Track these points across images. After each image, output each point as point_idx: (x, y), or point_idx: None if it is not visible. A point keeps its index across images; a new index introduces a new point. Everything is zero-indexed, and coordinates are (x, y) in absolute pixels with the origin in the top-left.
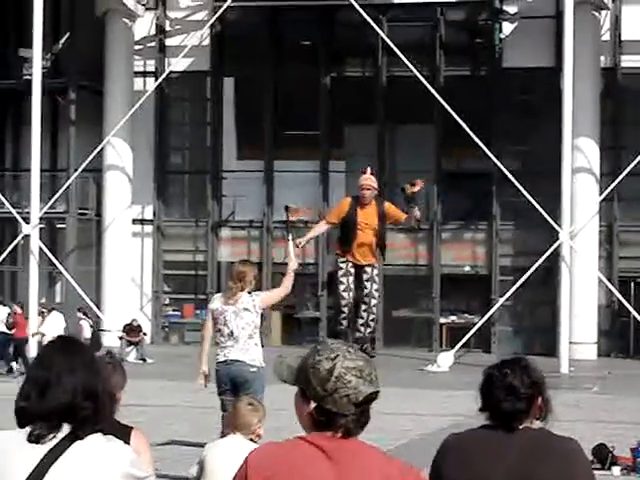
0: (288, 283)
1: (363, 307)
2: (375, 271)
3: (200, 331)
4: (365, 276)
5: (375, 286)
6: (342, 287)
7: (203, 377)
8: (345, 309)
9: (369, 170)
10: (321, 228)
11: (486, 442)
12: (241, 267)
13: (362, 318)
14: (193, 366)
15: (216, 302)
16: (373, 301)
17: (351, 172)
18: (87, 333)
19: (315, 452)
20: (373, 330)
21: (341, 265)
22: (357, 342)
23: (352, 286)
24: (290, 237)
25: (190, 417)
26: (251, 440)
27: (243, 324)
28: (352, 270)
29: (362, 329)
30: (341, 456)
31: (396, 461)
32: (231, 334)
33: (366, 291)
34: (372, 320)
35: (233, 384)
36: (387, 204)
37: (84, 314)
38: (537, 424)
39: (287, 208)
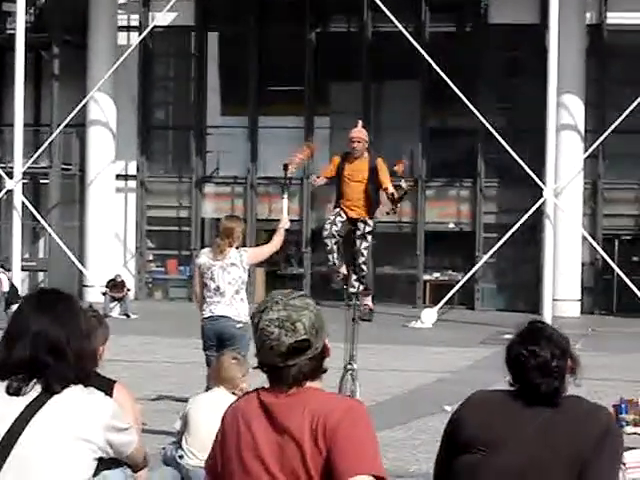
0: (278, 240)
1: (355, 262)
2: (367, 228)
3: (189, 288)
4: (358, 232)
5: (364, 244)
6: (325, 233)
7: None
8: (329, 256)
9: (360, 123)
10: (322, 180)
11: (511, 407)
12: (228, 223)
13: (355, 274)
14: (178, 321)
15: (203, 257)
16: (361, 258)
17: (336, 128)
18: (5, 287)
19: (260, 407)
20: (367, 286)
21: (330, 216)
22: (353, 296)
23: (335, 233)
24: (285, 195)
25: (174, 372)
26: (233, 394)
27: (230, 279)
28: (339, 219)
29: (355, 284)
30: (279, 410)
31: (332, 400)
32: (217, 289)
33: (355, 248)
34: (363, 276)
35: (219, 340)
36: (379, 161)
37: (1, 267)
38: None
39: (286, 166)
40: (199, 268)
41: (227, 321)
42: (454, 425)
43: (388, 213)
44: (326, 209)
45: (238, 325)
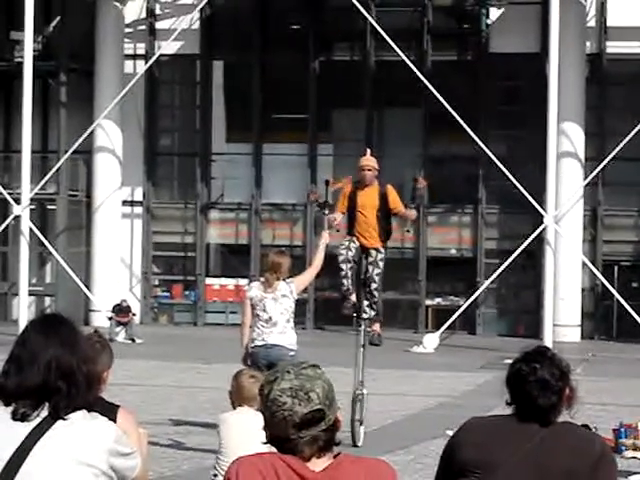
0: (318, 261)
1: (367, 289)
2: (380, 255)
3: (194, 312)
4: (370, 259)
5: (376, 270)
6: (341, 258)
7: (246, 356)
8: (344, 281)
9: (369, 151)
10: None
11: (507, 430)
12: (277, 258)
13: (367, 300)
14: (183, 346)
15: (254, 290)
16: (373, 285)
17: (339, 156)
18: None
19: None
20: (378, 312)
21: (344, 242)
22: (363, 322)
23: (351, 258)
24: (326, 211)
25: (179, 397)
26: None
27: (282, 309)
28: (353, 245)
29: (367, 310)
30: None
31: (374, 465)
32: (269, 319)
33: (367, 275)
34: (375, 303)
35: (270, 366)
36: (389, 187)
37: None
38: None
39: (327, 182)
40: (250, 300)
41: (280, 349)
42: (450, 449)
43: (408, 231)
44: (336, 237)
45: (291, 353)
